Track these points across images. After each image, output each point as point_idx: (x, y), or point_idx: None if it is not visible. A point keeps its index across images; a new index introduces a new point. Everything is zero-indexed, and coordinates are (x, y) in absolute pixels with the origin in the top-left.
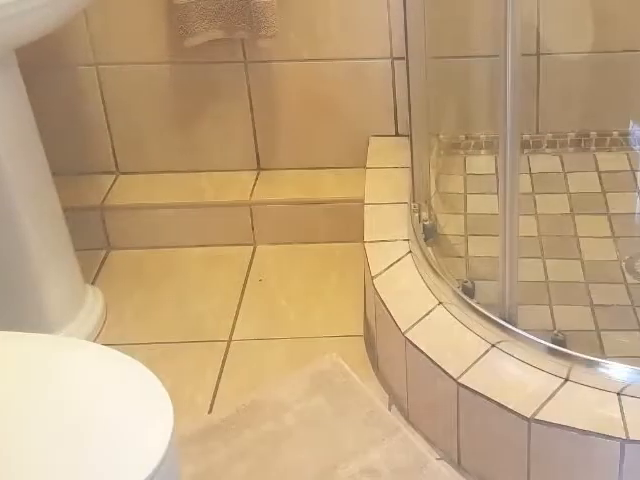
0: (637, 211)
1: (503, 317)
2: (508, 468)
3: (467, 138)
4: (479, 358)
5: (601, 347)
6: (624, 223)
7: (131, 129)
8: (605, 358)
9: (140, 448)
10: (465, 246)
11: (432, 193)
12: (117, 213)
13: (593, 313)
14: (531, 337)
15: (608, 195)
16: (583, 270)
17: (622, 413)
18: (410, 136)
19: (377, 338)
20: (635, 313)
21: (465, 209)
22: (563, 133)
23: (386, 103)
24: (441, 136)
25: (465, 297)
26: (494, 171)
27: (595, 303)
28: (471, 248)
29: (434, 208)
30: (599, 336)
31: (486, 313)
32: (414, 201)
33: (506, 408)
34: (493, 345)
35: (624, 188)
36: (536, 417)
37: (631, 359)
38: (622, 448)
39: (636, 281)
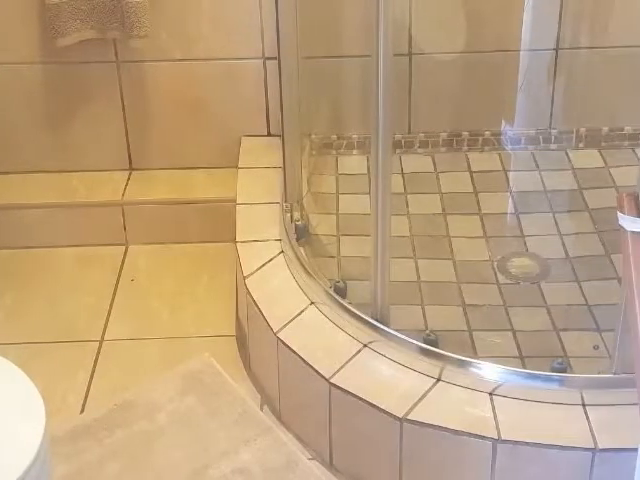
0: (509, 211)
1: (375, 317)
2: (380, 468)
3: (339, 138)
4: (351, 358)
5: (473, 347)
6: (496, 223)
7: (2, 129)
8: (477, 358)
9: (12, 448)
10: (337, 246)
11: (304, 193)
12: None
13: (465, 313)
14: (403, 337)
15: (480, 195)
16: (455, 270)
17: (494, 413)
18: (282, 136)
19: (249, 338)
20: (507, 313)
21: (337, 209)
22: (435, 133)
23: (258, 103)
24: (313, 136)
25: (337, 297)
26: (366, 171)
27: (467, 303)
28: (343, 248)
29: (306, 208)
30: (471, 336)
31: (358, 313)
32: (286, 201)
33: (378, 408)
34: (365, 345)
35: (496, 188)
36: (408, 417)
37: (503, 359)
38: (494, 448)
39: (508, 281)
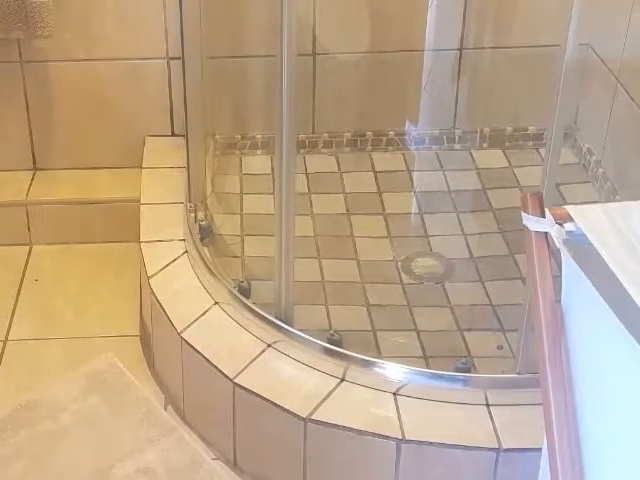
0: (413, 211)
1: (279, 317)
2: (284, 468)
3: (243, 138)
4: (255, 358)
5: (377, 347)
6: (400, 223)
7: None
8: (381, 358)
9: None
10: (241, 246)
11: (208, 193)
12: None
13: (369, 313)
14: (307, 337)
15: (384, 195)
16: (359, 270)
17: (398, 413)
18: (186, 136)
19: (153, 338)
20: (411, 313)
21: (241, 209)
22: (339, 133)
23: (162, 103)
24: (217, 136)
25: (241, 297)
26: (270, 171)
27: (371, 303)
28: (247, 248)
29: (210, 208)
30: (375, 336)
31: (262, 313)
32: (190, 201)
33: (282, 408)
34: (269, 345)
35: (400, 188)
36: (312, 417)
37: (407, 359)
38: (398, 448)
39: (412, 281)
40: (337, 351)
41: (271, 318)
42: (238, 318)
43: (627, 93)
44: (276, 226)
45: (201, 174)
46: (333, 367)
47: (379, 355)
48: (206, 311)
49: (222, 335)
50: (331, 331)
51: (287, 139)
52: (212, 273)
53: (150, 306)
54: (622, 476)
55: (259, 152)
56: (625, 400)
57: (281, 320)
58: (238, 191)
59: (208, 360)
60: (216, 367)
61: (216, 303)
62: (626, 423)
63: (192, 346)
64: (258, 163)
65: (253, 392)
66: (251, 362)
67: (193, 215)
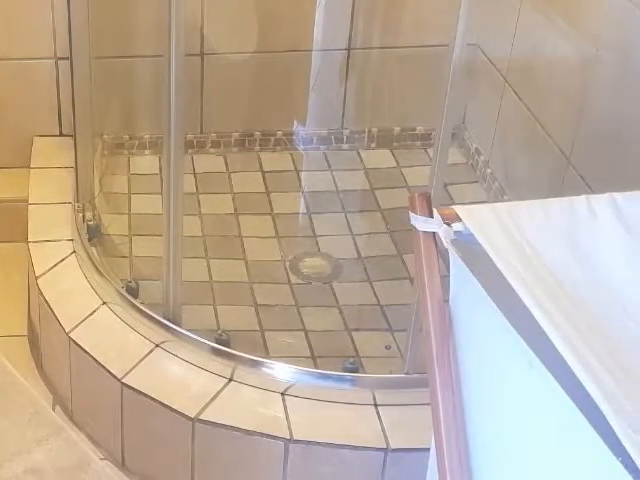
0: (301, 211)
1: (167, 317)
2: (173, 468)
3: (131, 138)
4: (143, 358)
5: (265, 347)
6: (288, 223)
7: None
8: (269, 358)
9: None
10: (129, 246)
11: (96, 193)
12: None
13: (257, 313)
14: (195, 337)
15: (272, 195)
16: (247, 270)
17: (286, 413)
18: (74, 136)
19: (41, 338)
20: (299, 313)
21: (129, 209)
22: (227, 133)
23: (50, 103)
24: (105, 136)
25: (129, 297)
26: (158, 171)
27: (259, 303)
28: (135, 248)
29: (98, 208)
30: (263, 336)
31: (150, 313)
32: (78, 201)
33: (170, 408)
34: (157, 345)
35: (288, 188)
36: (200, 417)
37: (295, 359)
38: (286, 448)
39: (300, 281)
40: (225, 351)
41: (159, 318)
42: (126, 318)
43: (515, 93)
44: (164, 226)
45: (89, 174)
46: (221, 367)
47: (267, 355)
48: (94, 311)
49: (110, 335)
50: (219, 331)
51: (175, 139)
52: (100, 273)
53: (38, 306)
54: (509, 475)
55: (147, 152)
56: (512, 399)
57: (169, 320)
58: (126, 191)
59: (96, 360)
60: (104, 367)
61: (104, 303)
62: (513, 422)
63: (80, 346)
64: (146, 163)
65: (141, 392)
66: (139, 362)
67: (81, 215)
